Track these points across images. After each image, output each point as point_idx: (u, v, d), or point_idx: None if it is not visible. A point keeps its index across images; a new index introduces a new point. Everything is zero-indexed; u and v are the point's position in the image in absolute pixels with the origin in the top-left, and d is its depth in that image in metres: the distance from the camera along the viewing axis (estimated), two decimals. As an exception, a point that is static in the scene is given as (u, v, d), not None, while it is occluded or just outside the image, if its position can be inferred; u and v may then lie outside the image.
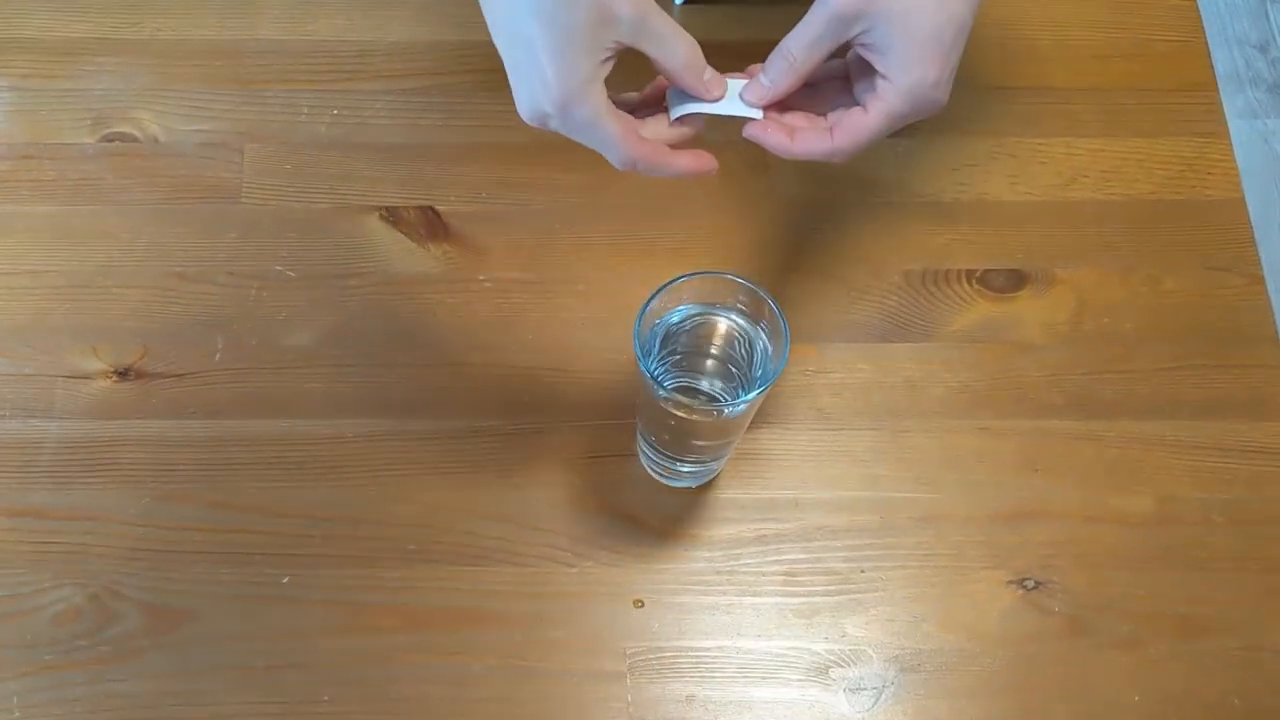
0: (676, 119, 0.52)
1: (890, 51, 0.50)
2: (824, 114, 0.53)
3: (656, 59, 0.50)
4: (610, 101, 0.49)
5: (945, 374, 0.67)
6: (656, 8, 0.49)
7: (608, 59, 0.49)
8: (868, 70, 0.51)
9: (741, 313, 0.56)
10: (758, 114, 0.52)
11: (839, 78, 0.54)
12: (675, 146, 0.52)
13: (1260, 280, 0.69)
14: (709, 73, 0.51)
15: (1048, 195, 0.72)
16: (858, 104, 0.52)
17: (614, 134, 0.49)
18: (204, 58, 0.75)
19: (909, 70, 0.49)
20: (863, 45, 0.50)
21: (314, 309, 0.68)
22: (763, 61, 0.52)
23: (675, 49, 0.50)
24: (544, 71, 0.47)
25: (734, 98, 0.52)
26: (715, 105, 0.52)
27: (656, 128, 0.52)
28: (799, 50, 0.51)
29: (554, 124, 0.50)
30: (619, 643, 0.60)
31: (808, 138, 0.52)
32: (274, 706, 0.59)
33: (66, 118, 0.73)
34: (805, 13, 0.51)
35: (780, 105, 0.53)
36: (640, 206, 0.71)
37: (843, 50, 0.52)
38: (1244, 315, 0.68)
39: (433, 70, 0.75)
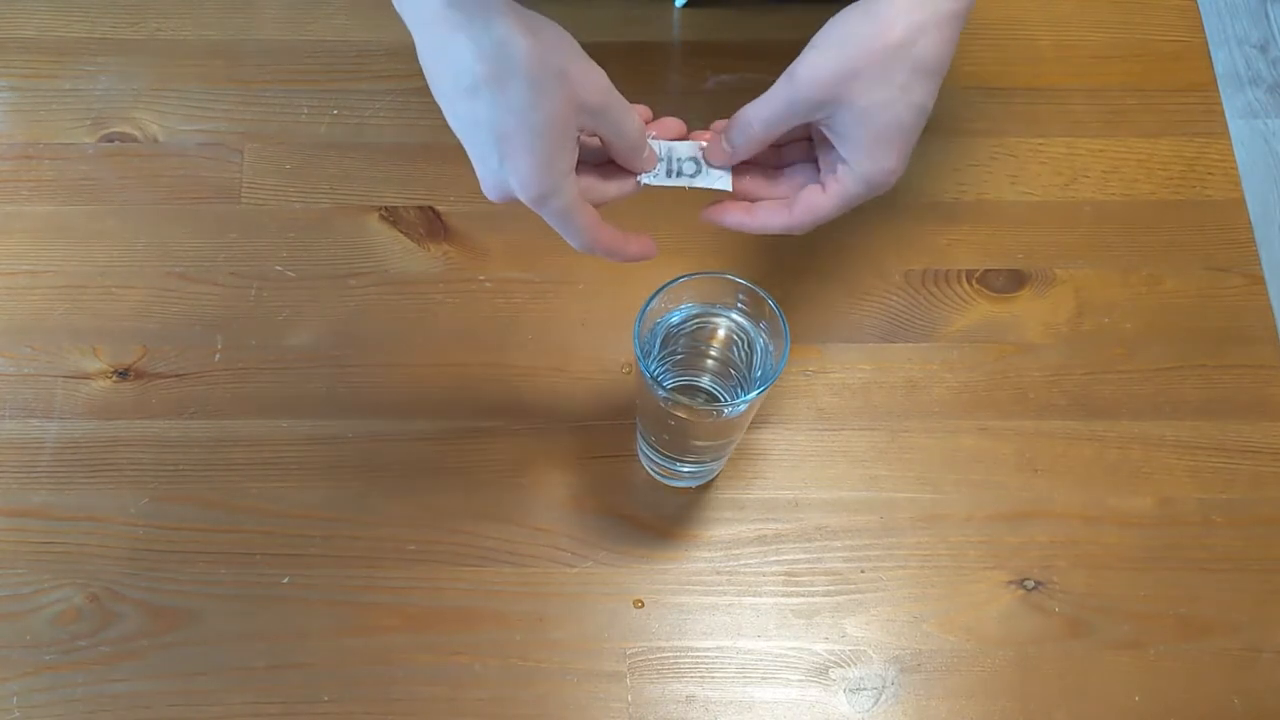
0: (645, 184, 0.53)
1: (851, 140, 0.51)
2: (782, 168, 0.55)
3: (609, 139, 0.50)
4: (578, 190, 0.50)
5: (945, 374, 0.67)
6: (614, 90, 0.49)
7: (575, 146, 0.49)
8: (829, 145, 0.52)
9: (741, 313, 0.56)
10: (726, 186, 0.54)
11: (802, 139, 0.55)
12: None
13: (1260, 280, 0.69)
14: (648, 149, 0.52)
15: (1048, 195, 0.72)
16: (819, 172, 0.53)
17: (584, 225, 0.50)
18: (204, 58, 0.75)
19: (869, 159, 0.51)
20: (826, 127, 0.51)
21: (314, 309, 0.68)
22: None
23: (628, 129, 0.50)
24: (519, 166, 0.47)
25: (706, 170, 0.54)
26: (689, 180, 0.53)
27: (622, 187, 0.53)
28: (758, 125, 0.52)
29: (523, 205, 0.50)
30: (619, 643, 0.60)
31: (766, 212, 0.54)
32: (274, 706, 0.59)
33: (66, 118, 0.73)
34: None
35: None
36: (640, 207, 0.71)
37: None
38: (1244, 315, 0.68)
39: (433, 70, 0.75)
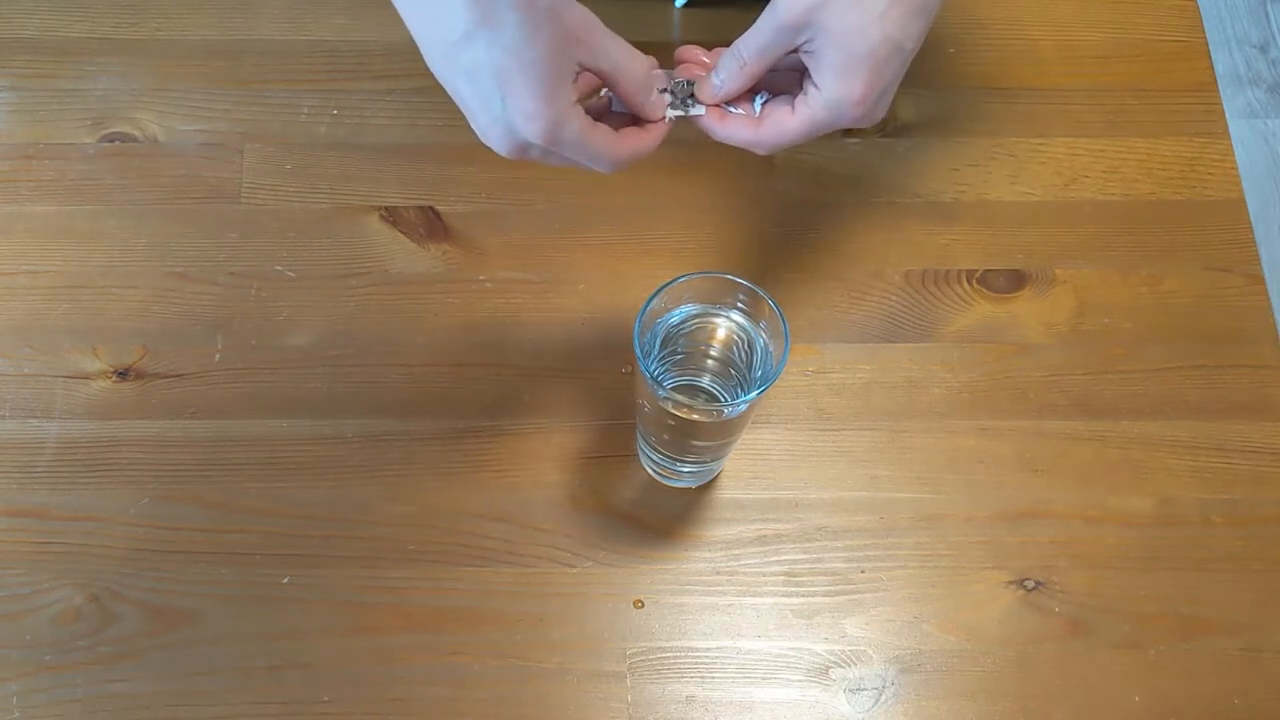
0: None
1: (823, 64, 0.51)
2: (769, 92, 0.55)
3: (611, 76, 0.51)
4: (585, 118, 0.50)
5: (945, 374, 0.67)
6: (605, 28, 0.50)
7: (575, 79, 0.49)
8: (808, 73, 0.53)
9: (741, 313, 0.56)
10: (701, 110, 0.54)
11: (797, 69, 0.55)
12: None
13: (1260, 280, 0.69)
14: (655, 93, 0.53)
15: (1048, 195, 0.72)
16: (793, 99, 0.54)
17: (602, 143, 0.50)
18: (204, 58, 0.75)
19: (836, 84, 0.51)
20: (805, 53, 0.52)
21: (314, 309, 0.68)
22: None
23: (630, 69, 0.51)
24: (523, 102, 0.48)
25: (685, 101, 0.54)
26: (672, 112, 0.54)
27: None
28: (749, 55, 0.53)
29: (536, 152, 0.50)
30: (619, 643, 0.60)
31: (735, 123, 0.54)
32: (274, 706, 0.59)
33: (66, 118, 0.73)
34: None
35: None
36: (640, 207, 0.71)
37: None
38: (1244, 315, 0.68)
39: (433, 70, 0.75)
